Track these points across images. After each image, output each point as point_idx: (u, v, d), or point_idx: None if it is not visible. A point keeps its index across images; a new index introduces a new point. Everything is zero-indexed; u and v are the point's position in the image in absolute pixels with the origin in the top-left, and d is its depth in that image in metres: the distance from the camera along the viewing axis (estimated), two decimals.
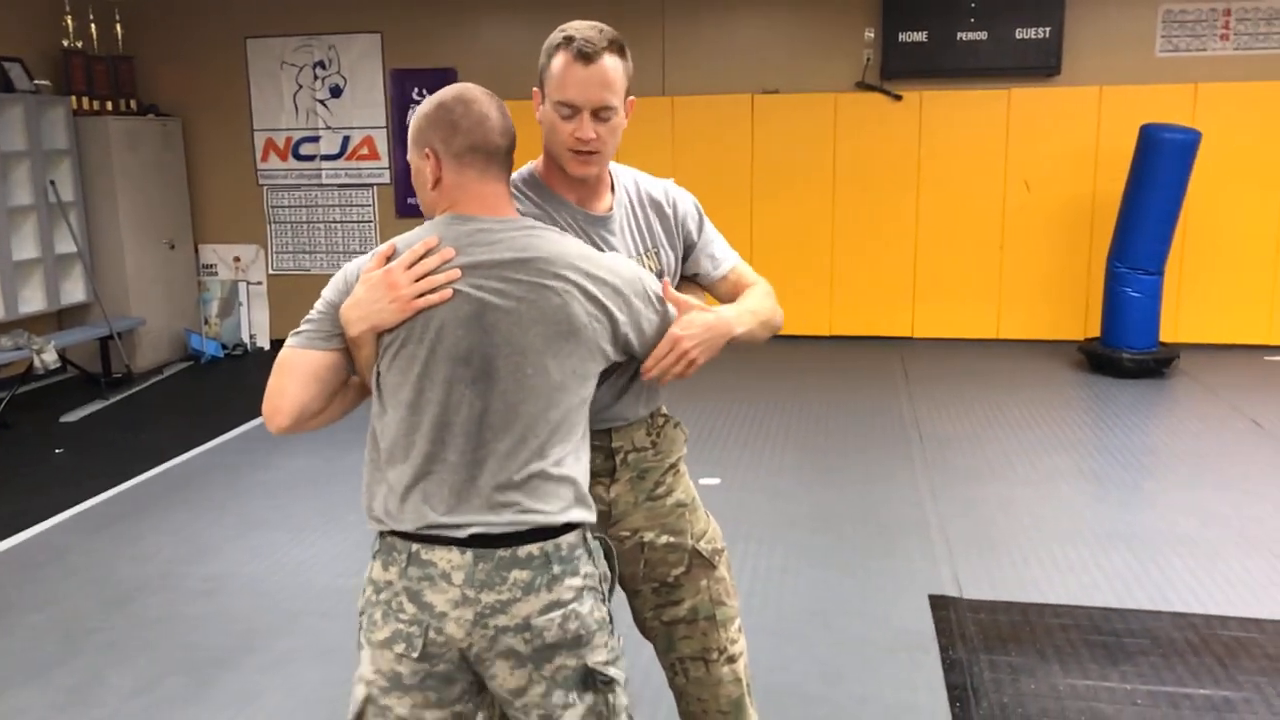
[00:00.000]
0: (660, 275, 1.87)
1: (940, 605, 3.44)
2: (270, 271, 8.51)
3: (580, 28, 1.71)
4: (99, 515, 4.51)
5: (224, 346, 8.32)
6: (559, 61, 1.70)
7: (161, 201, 7.92)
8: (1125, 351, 6.51)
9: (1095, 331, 6.98)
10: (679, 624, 1.98)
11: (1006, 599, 3.48)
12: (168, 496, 4.71)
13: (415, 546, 1.57)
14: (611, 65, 1.69)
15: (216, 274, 8.61)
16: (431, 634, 1.55)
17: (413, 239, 1.62)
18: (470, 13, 7.87)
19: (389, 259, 1.60)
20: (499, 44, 7.78)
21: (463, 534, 1.55)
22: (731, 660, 2.01)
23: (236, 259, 8.59)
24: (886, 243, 7.56)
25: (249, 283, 8.59)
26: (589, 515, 1.63)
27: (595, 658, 1.62)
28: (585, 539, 1.64)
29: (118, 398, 6.80)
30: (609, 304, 1.62)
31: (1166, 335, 6.82)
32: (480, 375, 1.56)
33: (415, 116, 1.66)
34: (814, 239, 7.63)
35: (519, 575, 1.55)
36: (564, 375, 1.59)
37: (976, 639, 3.21)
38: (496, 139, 1.62)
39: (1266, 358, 6.98)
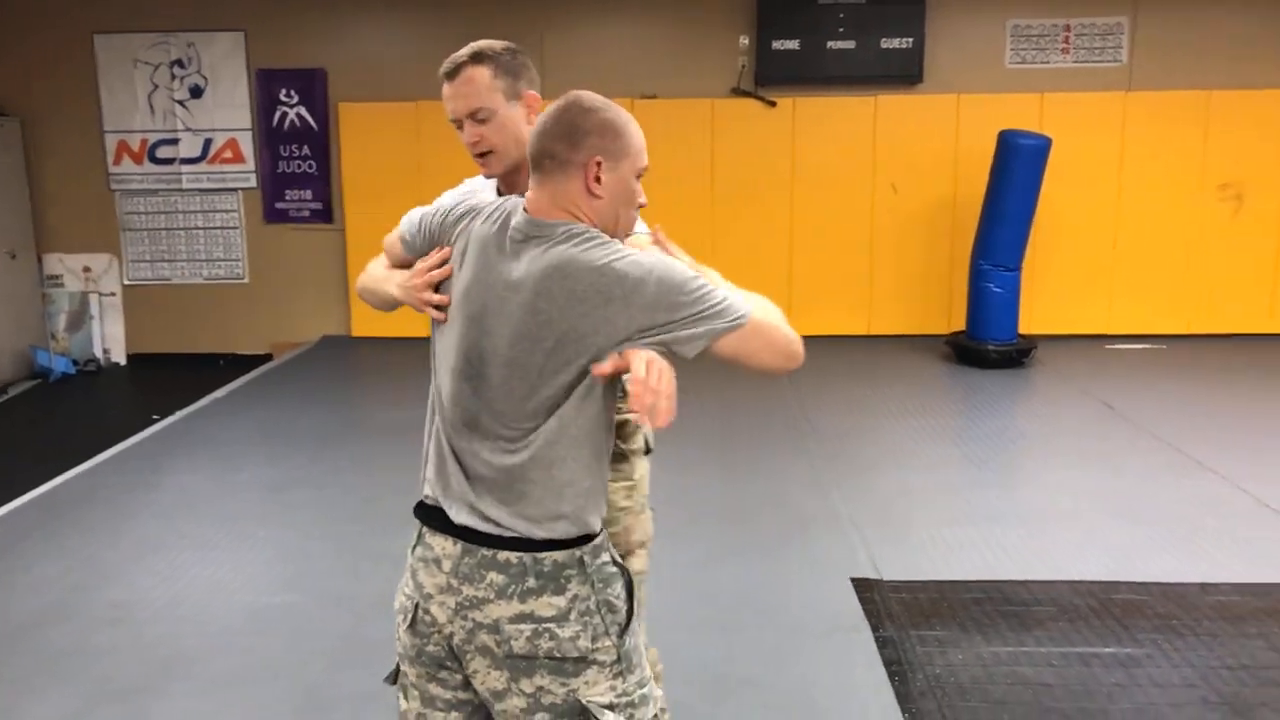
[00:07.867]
0: None
1: (863, 587, 3.61)
2: (126, 281, 8.04)
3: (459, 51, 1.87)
4: None
5: (75, 362, 7.81)
6: (442, 86, 1.89)
7: None
8: (990, 344, 6.97)
9: (960, 325, 7.43)
10: None
11: (921, 579, 3.69)
12: (48, 523, 4.38)
13: (423, 528, 1.64)
14: (474, 74, 1.85)
15: (63, 285, 8.07)
16: (420, 611, 1.61)
17: (457, 203, 1.70)
18: (340, 12, 7.63)
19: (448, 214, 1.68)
20: (371, 44, 7.58)
21: (455, 518, 1.59)
22: None
23: (86, 269, 8.07)
24: (762, 244, 7.80)
25: (101, 294, 8.09)
26: (577, 533, 1.54)
27: (593, 695, 1.54)
28: (583, 561, 1.54)
29: None
30: (617, 315, 1.48)
31: (1023, 327, 7.32)
32: (475, 374, 1.57)
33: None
34: (692, 241, 7.67)
35: (495, 577, 1.54)
36: (555, 390, 1.50)
37: (902, 617, 3.39)
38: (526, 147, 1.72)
39: (1108, 346, 7.60)
